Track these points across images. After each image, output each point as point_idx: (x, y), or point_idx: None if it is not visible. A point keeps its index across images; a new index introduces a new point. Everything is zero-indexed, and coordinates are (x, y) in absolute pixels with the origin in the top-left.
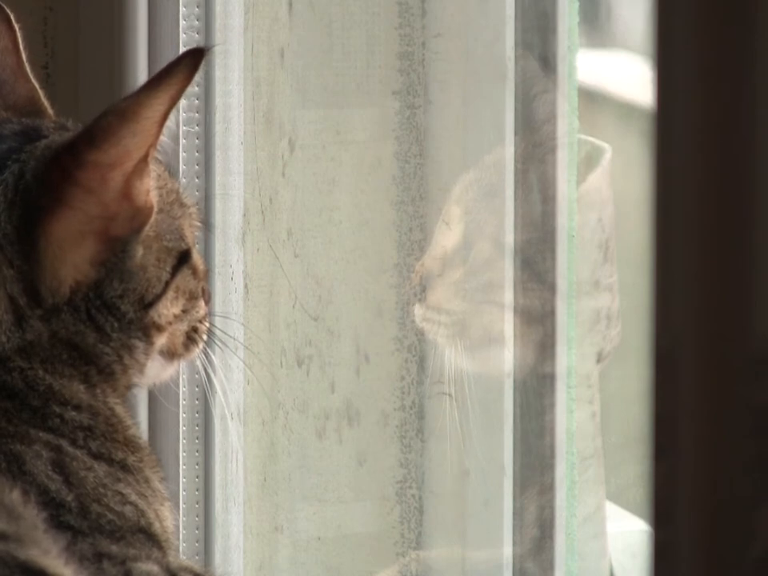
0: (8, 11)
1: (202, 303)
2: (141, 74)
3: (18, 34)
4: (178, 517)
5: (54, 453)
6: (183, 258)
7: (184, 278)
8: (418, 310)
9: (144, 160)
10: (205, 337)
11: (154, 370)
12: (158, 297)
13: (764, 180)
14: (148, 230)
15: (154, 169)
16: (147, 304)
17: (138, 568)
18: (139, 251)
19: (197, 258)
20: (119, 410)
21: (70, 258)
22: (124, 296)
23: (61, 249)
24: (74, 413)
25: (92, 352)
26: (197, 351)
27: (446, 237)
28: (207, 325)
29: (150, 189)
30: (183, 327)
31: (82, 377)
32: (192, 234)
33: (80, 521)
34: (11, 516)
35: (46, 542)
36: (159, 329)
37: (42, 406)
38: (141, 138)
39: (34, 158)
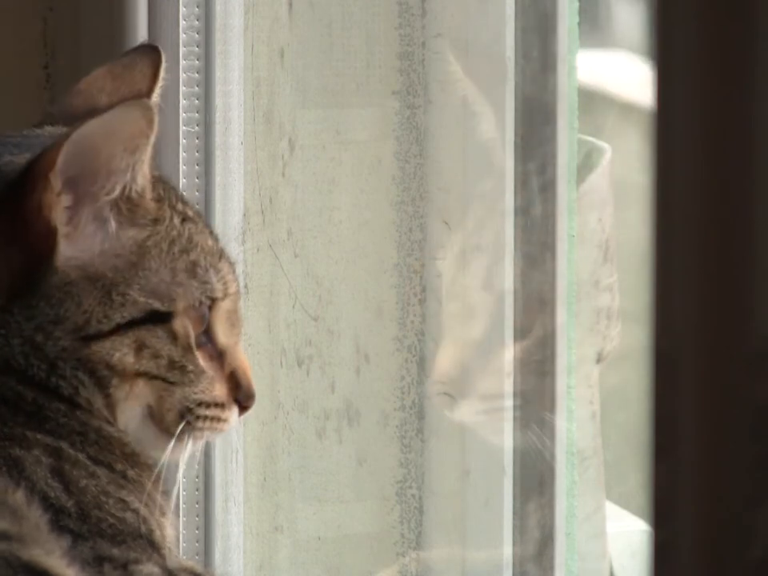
0: (161, 54)
1: (206, 386)
2: None
3: (158, 85)
4: (179, 528)
5: (53, 458)
6: (153, 317)
7: (152, 335)
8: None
9: (46, 178)
10: (207, 434)
11: (148, 438)
12: (104, 333)
13: (764, 180)
14: (86, 260)
15: (170, 228)
16: (86, 336)
17: (139, 571)
18: (62, 275)
19: (183, 337)
20: (110, 429)
21: (6, 259)
22: (56, 322)
23: (1, 246)
24: (64, 419)
25: (52, 384)
26: (195, 443)
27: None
28: (215, 424)
29: (52, 206)
30: (173, 400)
31: (57, 399)
32: (194, 307)
33: (80, 525)
34: (15, 516)
35: (49, 543)
36: (113, 370)
37: (36, 411)
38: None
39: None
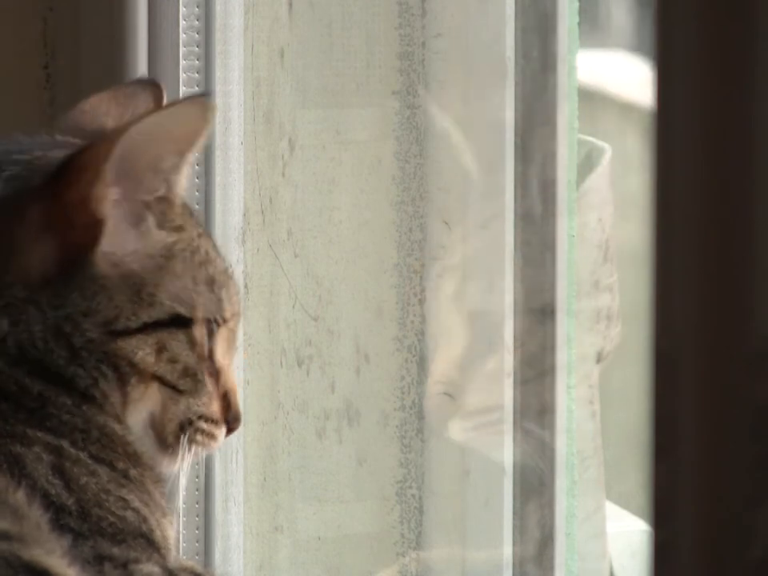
0: (162, 90)
1: (206, 400)
2: (141, 75)
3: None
4: (179, 529)
5: (53, 456)
6: (176, 321)
7: (174, 339)
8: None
9: (99, 168)
10: (201, 449)
11: (148, 443)
12: (131, 330)
13: (764, 180)
14: (128, 252)
15: (191, 238)
16: (114, 331)
17: (140, 570)
18: (103, 266)
19: (200, 345)
20: (115, 427)
21: (37, 252)
22: (87, 314)
23: (31, 236)
24: (67, 416)
25: (66, 375)
26: (190, 456)
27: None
28: (208, 439)
29: (102, 197)
30: (177, 409)
31: (68, 395)
32: (208, 320)
33: (80, 523)
34: (15, 516)
35: (50, 543)
36: (134, 368)
37: (38, 407)
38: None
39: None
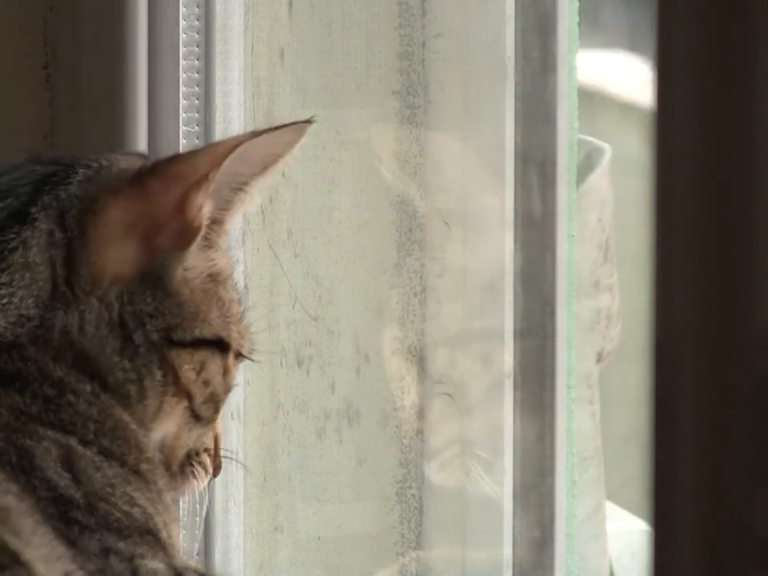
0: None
1: (211, 435)
2: (141, 74)
3: None
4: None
5: (63, 450)
6: (218, 344)
7: (213, 361)
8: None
9: (206, 177)
10: (198, 483)
11: (156, 464)
12: (185, 343)
13: (764, 180)
14: (195, 266)
15: (229, 271)
16: (171, 339)
17: (145, 566)
18: (178, 274)
19: (230, 374)
20: (132, 425)
21: (114, 250)
22: (153, 315)
23: (110, 234)
24: (84, 405)
25: (106, 364)
26: (190, 488)
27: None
28: (202, 476)
29: (202, 206)
30: (189, 437)
31: (89, 382)
32: (236, 353)
33: (87, 517)
34: (4, 512)
35: (34, 537)
36: (176, 380)
37: (55, 396)
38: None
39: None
